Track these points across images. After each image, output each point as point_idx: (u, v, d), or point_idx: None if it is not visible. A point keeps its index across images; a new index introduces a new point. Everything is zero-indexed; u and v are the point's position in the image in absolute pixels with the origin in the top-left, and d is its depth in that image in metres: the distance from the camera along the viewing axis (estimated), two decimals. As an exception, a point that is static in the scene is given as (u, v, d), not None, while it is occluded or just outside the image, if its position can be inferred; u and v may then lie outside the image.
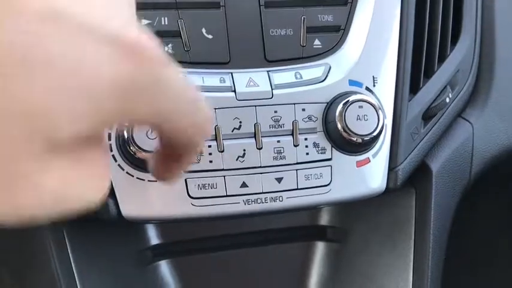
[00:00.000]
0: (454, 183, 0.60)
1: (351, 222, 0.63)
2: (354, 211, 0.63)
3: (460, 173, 0.61)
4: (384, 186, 0.53)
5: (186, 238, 0.60)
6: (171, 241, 0.59)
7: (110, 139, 0.46)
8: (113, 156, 0.46)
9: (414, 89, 0.56)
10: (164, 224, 0.58)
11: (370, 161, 0.51)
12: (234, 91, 0.48)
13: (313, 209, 0.63)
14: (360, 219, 0.62)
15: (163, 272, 0.59)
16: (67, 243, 0.50)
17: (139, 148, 0.45)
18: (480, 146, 0.62)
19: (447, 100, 0.58)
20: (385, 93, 0.52)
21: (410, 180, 0.56)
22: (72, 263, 0.50)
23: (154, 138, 0.45)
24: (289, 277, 0.63)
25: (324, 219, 0.64)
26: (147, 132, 0.45)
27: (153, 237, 0.59)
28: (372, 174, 0.52)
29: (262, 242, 0.63)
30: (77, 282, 0.50)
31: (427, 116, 0.56)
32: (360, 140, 0.49)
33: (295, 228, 0.64)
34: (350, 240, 0.63)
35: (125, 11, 0.25)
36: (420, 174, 0.57)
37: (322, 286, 0.63)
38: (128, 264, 0.56)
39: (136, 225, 0.58)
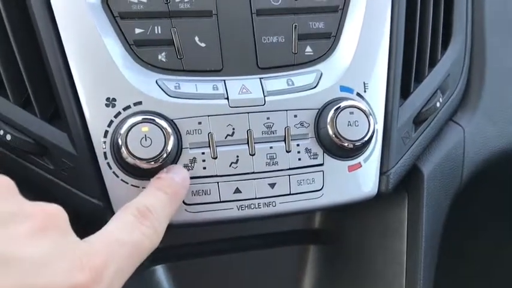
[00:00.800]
0: (446, 186, 0.61)
1: (344, 226, 0.64)
2: (347, 215, 0.64)
3: (452, 176, 0.61)
4: (376, 190, 0.53)
5: (182, 243, 0.61)
6: (167, 246, 0.60)
7: (104, 147, 0.47)
8: (108, 163, 0.47)
9: (405, 93, 0.57)
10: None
11: (361, 166, 0.52)
12: (227, 98, 0.49)
13: (306, 214, 0.63)
14: (353, 223, 0.63)
15: (159, 277, 0.60)
16: None
17: (133, 155, 0.45)
18: (471, 149, 0.63)
19: (438, 104, 0.58)
20: (376, 98, 0.53)
21: (403, 184, 0.57)
22: None
23: (148, 146, 0.46)
24: (284, 280, 0.64)
25: (318, 223, 0.65)
26: (141, 140, 0.45)
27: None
28: (364, 178, 0.52)
29: (257, 246, 0.64)
30: None
31: (418, 120, 0.57)
32: (351, 146, 0.50)
33: (290, 232, 0.64)
34: (343, 243, 0.63)
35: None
36: (412, 177, 0.58)
37: (317, 289, 0.64)
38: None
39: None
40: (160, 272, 0.60)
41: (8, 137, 0.48)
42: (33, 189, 0.49)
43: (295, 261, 0.64)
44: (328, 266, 0.64)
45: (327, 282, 0.63)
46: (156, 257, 0.59)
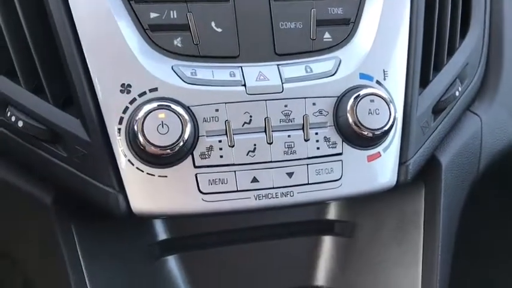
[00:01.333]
0: (463, 176, 0.60)
1: (359, 217, 0.63)
2: (362, 205, 0.63)
3: (469, 166, 0.60)
4: (395, 180, 0.52)
5: (194, 233, 0.60)
6: (179, 236, 0.59)
7: (119, 134, 0.46)
8: (123, 151, 0.46)
9: (424, 82, 0.55)
10: (172, 219, 0.58)
11: (381, 155, 0.51)
12: (244, 85, 0.48)
13: (324, 204, 0.62)
14: (368, 214, 0.62)
15: (171, 266, 0.59)
16: (75, 238, 0.50)
17: (150, 143, 0.44)
18: (488, 139, 0.62)
19: (457, 93, 0.57)
20: (396, 86, 0.52)
21: (420, 174, 0.56)
22: (80, 257, 0.50)
23: (165, 133, 0.44)
24: (298, 271, 0.63)
25: (332, 214, 0.64)
26: (157, 127, 0.44)
27: (161, 232, 0.58)
28: (383, 168, 0.51)
29: (271, 236, 0.63)
30: (86, 277, 0.50)
31: (437, 109, 0.56)
32: (371, 134, 0.49)
33: (304, 223, 0.63)
34: (358, 234, 0.63)
35: None
36: (429, 168, 0.57)
37: (331, 280, 0.63)
38: (137, 259, 0.56)
39: (145, 221, 0.57)
40: (172, 262, 0.59)
41: (20, 124, 0.47)
42: (45, 177, 0.49)
43: (309, 251, 0.63)
44: (342, 256, 0.63)
45: (340, 273, 0.62)
46: (167, 247, 0.59)
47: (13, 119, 0.47)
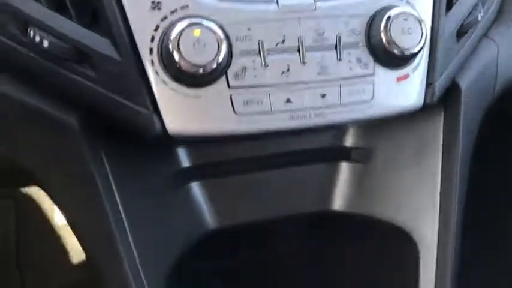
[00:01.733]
0: (480, 100, 0.61)
1: (376, 143, 0.63)
2: (378, 132, 0.63)
3: (485, 91, 0.61)
4: (422, 101, 0.53)
5: (216, 160, 0.60)
6: (201, 163, 0.59)
7: (151, 53, 0.44)
8: (156, 71, 0.45)
9: (448, 4, 0.55)
10: (195, 147, 0.58)
11: (409, 76, 0.51)
12: (277, 3, 0.47)
13: (342, 130, 0.63)
14: (385, 140, 0.63)
15: (195, 193, 0.59)
16: (106, 164, 0.49)
17: (186, 60, 0.43)
18: (504, 65, 0.62)
19: (479, 17, 0.57)
20: (424, 6, 0.51)
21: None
22: (113, 184, 0.49)
23: (202, 51, 0.43)
24: (315, 197, 0.64)
25: (349, 141, 0.64)
26: (194, 44, 0.43)
27: (185, 160, 0.58)
28: (411, 89, 0.52)
29: (288, 163, 0.63)
30: (119, 204, 0.49)
31: (461, 32, 0.56)
32: (402, 54, 0.49)
33: (320, 150, 0.64)
34: (375, 160, 0.63)
35: None
36: (449, 91, 0.57)
37: (347, 206, 0.64)
38: (163, 186, 0.56)
39: (169, 147, 0.57)
40: (196, 188, 0.59)
41: (45, 44, 0.45)
42: (73, 99, 0.47)
43: (326, 178, 0.64)
44: (359, 182, 0.64)
45: (357, 198, 0.64)
46: (191, 174, 0.59)
47: (37, 39, 0.45)
